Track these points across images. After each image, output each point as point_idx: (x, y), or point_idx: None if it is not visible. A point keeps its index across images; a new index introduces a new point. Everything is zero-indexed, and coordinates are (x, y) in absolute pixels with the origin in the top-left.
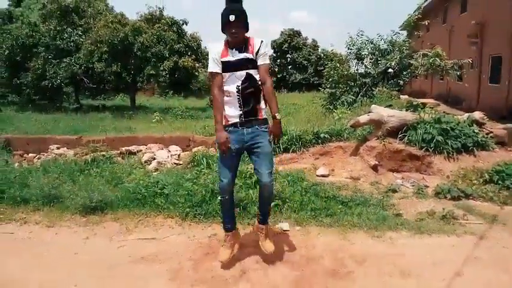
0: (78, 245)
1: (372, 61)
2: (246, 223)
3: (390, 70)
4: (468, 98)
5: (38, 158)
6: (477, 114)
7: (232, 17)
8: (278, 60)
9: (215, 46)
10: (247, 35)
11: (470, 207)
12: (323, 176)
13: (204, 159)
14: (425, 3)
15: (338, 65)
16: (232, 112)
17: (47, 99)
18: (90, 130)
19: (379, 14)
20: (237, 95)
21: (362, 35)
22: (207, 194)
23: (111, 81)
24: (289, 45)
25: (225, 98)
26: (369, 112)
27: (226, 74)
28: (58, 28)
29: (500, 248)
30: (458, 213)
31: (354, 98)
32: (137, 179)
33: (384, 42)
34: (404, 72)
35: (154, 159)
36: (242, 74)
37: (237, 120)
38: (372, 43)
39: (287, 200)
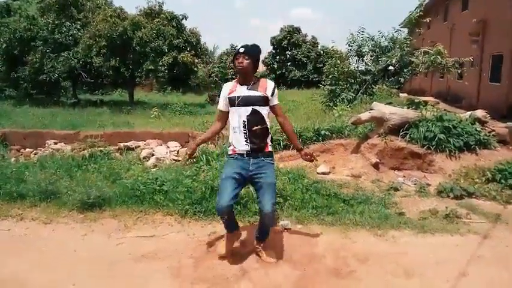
0: (76, 242)
1: (372, 58)
2: (246, 221)
3: (391, 67)
4: (468, 96)
5: (35, 153)
6: (479, 113)
7: (242, 49)
8: (277, 57)
9: (227, 85)
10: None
11: (473, 206)
12: (324, 173)
13: (204, 155)
14: (427, 1)
15: (338, 62)
16: (239, 146)
17: (44, 93)
18: (87, 125)
19: (379, 12)
20: (243, 130)
21: (363, 32)
22: (207, 191)
23: (110, 76)
24: (288, 42)
25: (232, 134)
26: (370, 109)
27: (233, 109)
28: (56, 22)
29: (504, 247)
30: (461, 212)
31: (353, 95)
32: (136, 175)
33: (385, 39)
34: (405, 70)
35: (153, 155)
36: (248, 109)
37: (244, 152)
38: (372, 40)
39: (288, 198)
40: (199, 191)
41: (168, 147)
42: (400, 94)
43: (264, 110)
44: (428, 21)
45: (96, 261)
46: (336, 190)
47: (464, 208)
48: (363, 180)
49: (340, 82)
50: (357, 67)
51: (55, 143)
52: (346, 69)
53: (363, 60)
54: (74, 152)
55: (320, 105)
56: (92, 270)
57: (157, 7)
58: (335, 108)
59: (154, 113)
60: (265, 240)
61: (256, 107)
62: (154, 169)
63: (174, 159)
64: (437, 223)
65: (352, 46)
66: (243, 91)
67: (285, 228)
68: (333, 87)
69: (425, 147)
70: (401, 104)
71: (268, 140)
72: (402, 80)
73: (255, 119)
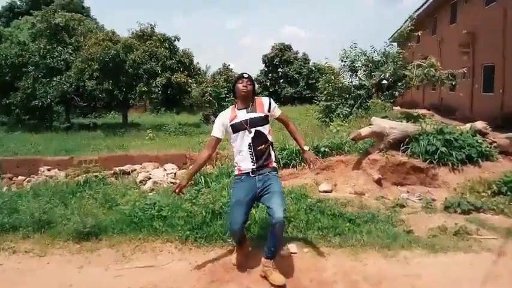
0: (72, 275)
1: (365, 73)
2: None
3: (384, 81)
4: (461, 108)
5: (28, 181)
6: (480, 124)
7: (246, 75)
8: (270, 75)
9: (223, 113)
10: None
11: (482, 221)
12: (326, 191)
13: (202, 177)
14: (415, 14)
15: (333, 78)
16: (245, 165)
17: (36, 118)
18: (81, 149)
19: (367, 29)
20: (249, 152)
21: (355, 47)
22: (208, 215)
23: (103, 99)
24: (280, 59)
25: (238, 156)
26: (370, 124)
27: (238, 134)
28: (48, 47)
29: None
30: (471, 228)
31: (349, 110)
32: (132, 200)
33: (377, 54)
34: (399, 84)
35: (149, 178)
36: (251, 131)
37: (249, 170)
38: (365, 55)
39: (292, 219)
40: (199, 215)
41: (165, 169)
42: (394, 107)
43: (266, 129)
44: (419, 34)
45: None
46: (341, 209)
47: (473, 224)
48: (366, 197)
49: (335, 97)
50: (351, 82)
51: (48, 170)
52: (340, 85)
53: (356, 75)
54: (68, 178)
55: (316, 121)
56: None
57: (149, 29)
58: (331, 123)
59: (149, 134)
60: (275, 257)
61: (259, 128)
62: (151, 193)
63: (171, 182)
64: (447, 241)
65: (345, 61)
66: (243, 115)
67: (291, 253)
68: (328, 103)
69: (427, 161)
70: (396, 118)
71: (273, 157)
72: (397, 93)
73: (259, 139)
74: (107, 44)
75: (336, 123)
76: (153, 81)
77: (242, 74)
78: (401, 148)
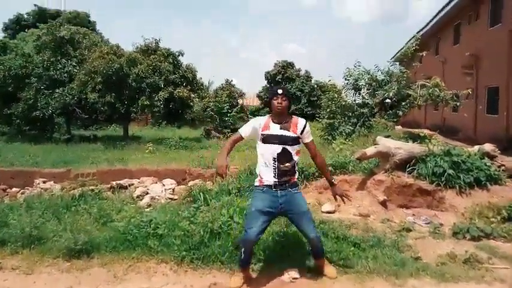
0: None
1: (369, 91)
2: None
3: (388, 100)
4: (464, 129)
5: (22, 193)
6: (488, 147)
7: (280, 90)
8: None
9: (261, 117)
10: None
11: (492, 248)
12: (329, 212)
13: (201, 194)
14: (419, 34)
15: (336, 96)
16: (267, 177)
17: (37, 129)
18: (80, 162)
19: (369, 49)
20: (273, 166)
21: (359, 66)
22: (206, 235)
23: (104, 111)
24: (282, 76)
25: (262, 167)
26: (375, 144)
27: (264, 145)
28: (52, 59)
29: None
30: (482, 256)
31: (352, 128)
32: (128, 216)
33: (381, 73)
34: (403, 103)
35: (147, 193)
36: (279, 148)
37: (271, 184)
38: (368, 74)
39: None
40: (197, 234)
41: (164, 185)
42: (396, 127)
43: (294, 149)
44: (424, 54)
45: None
46: (345, 232)
47: (483, 251)
48: (372, 219)
49: (337, 115)
50: (354, 100)
51: (44, 182)
52: (343, 103)
53: (359, 94)
54: (64, 192)
55: (318, 139)
56: None
57: (154, 44)
58: (334, 141)
59: (149, 148)
60: (323, 256)
61: (287, 146)
62: (148, 209)
63: (169, 198)
64: (458, 269)
65: (348, 80)
66: (276, 130)
67: (293, 278)
68: (331, 121)
69: (434, 184)
70: (399, 137)
71: (296, 175)
72: (400, 113)
73: (285, 157)
74: (111, 58)
75: (338, 141)
76: (155, 95)
77: (277, 89)
78: (408, 169)
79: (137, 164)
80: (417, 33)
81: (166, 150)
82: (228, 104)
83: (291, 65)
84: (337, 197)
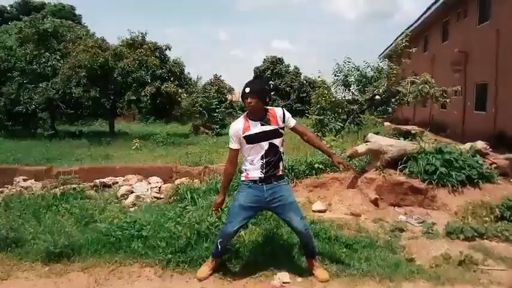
0: None
1: (358, 88)
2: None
3: (377, 97)
4: (452, 126)
5: (1, 192)
6: (480, 144)
7: (247, 89)
8: None
9: (235, 123)
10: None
11: (487, 249)
12: (320, 211)
13: (189, 192)
14: (409, 31)
15: (326, 92)
16: (254, 173)
17: (20, 125)
18: (63, 158)
19: (358, 45)
20: (261, 161)
21: (349, 62)
22: (193, 237)
23: (89, 106)
24: (271, 72)
25: (249, 165)
26: (366, 141)
27: (252, 146)
28: (35, 52)
29: None
30: (477, 257)
31: (341, 125)
32: (111, 217)
33: (371, 69)
34: (393, 100)
35: (132, 192)
36: (266, 144)
37: (257, 178)
38: (358, 70)
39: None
40: (183, 236)
41: (150, 183)
42: (384, 123)
43: (279, 142)
44: (413, 51)
45: None
46: (337, 232)
47: (479, 252)
48: (363, 219)
49: (327, 112)
50: (344, 97)
51: (24, 180)
52: (333, 99)
53: (349, 90)
54: (45, 190)
55: None
56: None
57: (140, 38)
58: (324, 138)
59: (136, 144)
60: (315, 254)
61: (273, 140)
62: (132, 208)
63: (155, 197)
64: (453, 271)
65: (338, 76)
66: (257, 128)
67: (283, 282)
68: (321, 117)
69: (426, 182)
70: (388, 134)
71: (281, 166)
72: (390, 109)
73: (272, 151)
74: (95, 51)
75: (329, 138)
76: (142, 90)
77: (244, 87)
78: (399, 167)
79: (122, 161)
80: (406, 29)
81: (153, 147)
82: (216, 99)
83: (280, 60)
84: (340, 165)
